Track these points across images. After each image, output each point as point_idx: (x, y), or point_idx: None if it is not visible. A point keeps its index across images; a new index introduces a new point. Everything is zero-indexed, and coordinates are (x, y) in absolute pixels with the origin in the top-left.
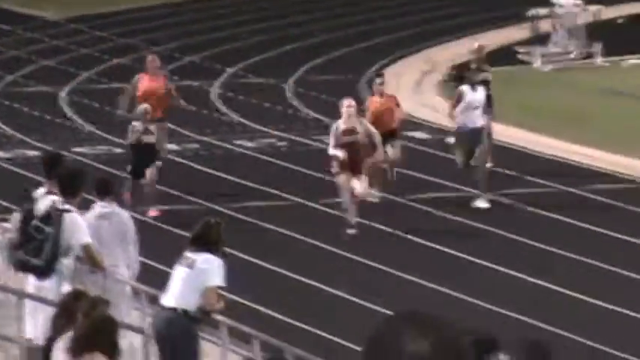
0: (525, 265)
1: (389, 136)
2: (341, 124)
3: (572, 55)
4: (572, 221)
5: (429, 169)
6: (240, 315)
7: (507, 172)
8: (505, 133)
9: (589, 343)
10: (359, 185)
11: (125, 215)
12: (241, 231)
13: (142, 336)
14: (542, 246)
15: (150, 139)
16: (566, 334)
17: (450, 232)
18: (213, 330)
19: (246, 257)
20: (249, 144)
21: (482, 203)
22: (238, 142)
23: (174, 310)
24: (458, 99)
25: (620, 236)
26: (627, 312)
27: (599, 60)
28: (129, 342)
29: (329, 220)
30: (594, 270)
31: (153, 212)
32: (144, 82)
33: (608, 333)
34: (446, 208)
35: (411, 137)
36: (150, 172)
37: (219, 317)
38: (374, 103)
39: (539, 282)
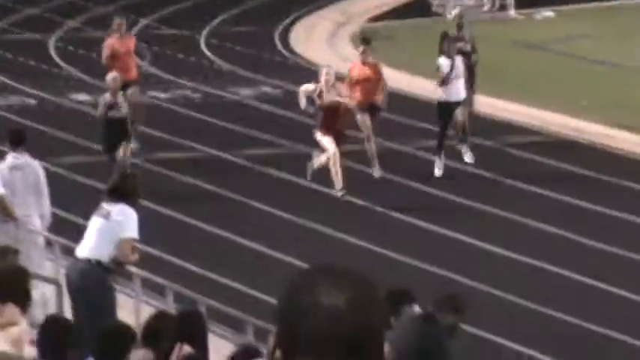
0: (440, 217)
1: (371, 109)
2: (320, 88)
3: (485, 8)
4: (486, 174)
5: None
6: (153, 267)
7: (420, 124)
8: (418, 85)
9: (502, 294)
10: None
11: (38, 166)
12: (156, 183)
13: (55, 287)
14: (457, 199)
15: (117, 113)
16: (481, 286)
17: (368, 185)
18: (126, 282)
19: (160, 209)
20: (163, 95)
21: (467, 156)
22: (152, 93)
23: (87, 260)
24: (441, 73)
25: (533, 189)
26: (539, 264)
27: (512, 12)
28: (41, 292)
29: (243, 171)
30: (508, 223)
31: None
32: (114, 44)
33: (520, 285)
34: (363, 161)
35: None
36: (122, 150)
37: (132, 269)
38: (355, 69)
39: (453, 234)
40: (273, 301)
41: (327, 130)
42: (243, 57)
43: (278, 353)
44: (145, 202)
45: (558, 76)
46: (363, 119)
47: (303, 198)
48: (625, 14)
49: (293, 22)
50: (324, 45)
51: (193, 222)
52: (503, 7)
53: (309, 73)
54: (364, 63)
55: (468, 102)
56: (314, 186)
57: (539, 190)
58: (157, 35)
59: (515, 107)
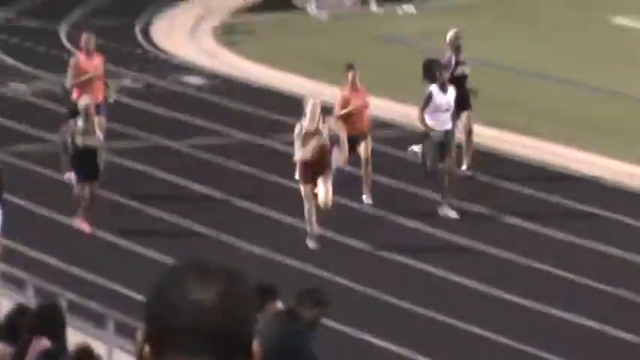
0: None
1: (359, 137)
2: (305, 125)
3: (347, 3)
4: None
5: (204, 113)
6: (13, 260)
7: (285, 118)
8: (278, 78)
9: (363, 289)
10: (323, 193)
11: None
12: (17, 175)
13: None
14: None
15: (91, 141)
16: (343, 280)
17: (222, 175)
18: None
19: (21, 202)
20: (25, 88)
21: (450, 212)
22: (12, 84)
23: None
24: (426, 101)
25: (396, 184)
26: (393, 256)
27: (374, 7)
28: None
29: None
30: (359, 213)
31: (84, 225)
32: (80, 63)
33: (379, 277)
34: (215, 152)
35: (186, 83)
36: (91, 187)
37: None
38: (344, 98)
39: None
40: (134, 295)
41: (307, 177)
42: (105, 50)
43: (147, 349)
44: (6, 196)
45: (416, 70)
46: (358, 149)
47: (163, 190)
48: (486, 12)
49: (155, 15)
50: (186, 38)
51: (55, 216)
52: (364, 2)
53: (170, 65)
54: (355, 90)
55: (465, 129)
56: (174, 179)
57: (403, 186)
58: (17, 27)
59: (378, 102)
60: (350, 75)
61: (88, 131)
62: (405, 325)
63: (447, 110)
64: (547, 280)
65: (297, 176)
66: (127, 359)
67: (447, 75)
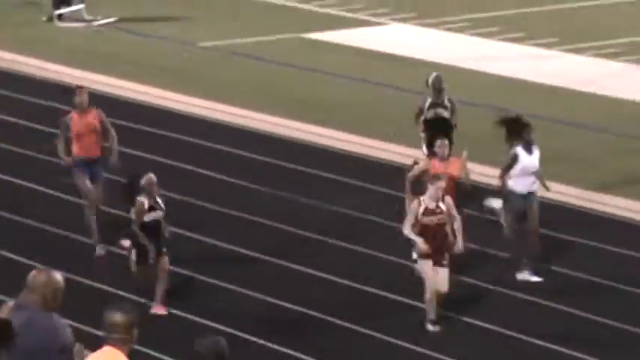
0: None
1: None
2: (426, 199)
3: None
4: (161, 159)
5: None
6: None
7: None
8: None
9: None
10: (444, 281)
11: None
12: None
13: None
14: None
15: (157, 215)
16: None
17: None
18: None
19: None
20: None
21: (531, 277)
22: None
23: None
24: (511, 162)
25: (202, 171)
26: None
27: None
28: None
29: None
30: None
31: (160, 309)
32: (75, 121)
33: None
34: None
35: None
36: (163, 263)
37: None
38: (435, 170)
39: None
40: None
41: (426, 254)
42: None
43: None
44: None
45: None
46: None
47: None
48: None
49: None
50: None
51: None
52: None
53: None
54: (442, 159)
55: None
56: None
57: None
58: None
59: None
60: (438, 143)
61: (152, 208)
62: None
63: (532, 173)
64: None
65: (415, 256)
66: None
67: (530, 136)
